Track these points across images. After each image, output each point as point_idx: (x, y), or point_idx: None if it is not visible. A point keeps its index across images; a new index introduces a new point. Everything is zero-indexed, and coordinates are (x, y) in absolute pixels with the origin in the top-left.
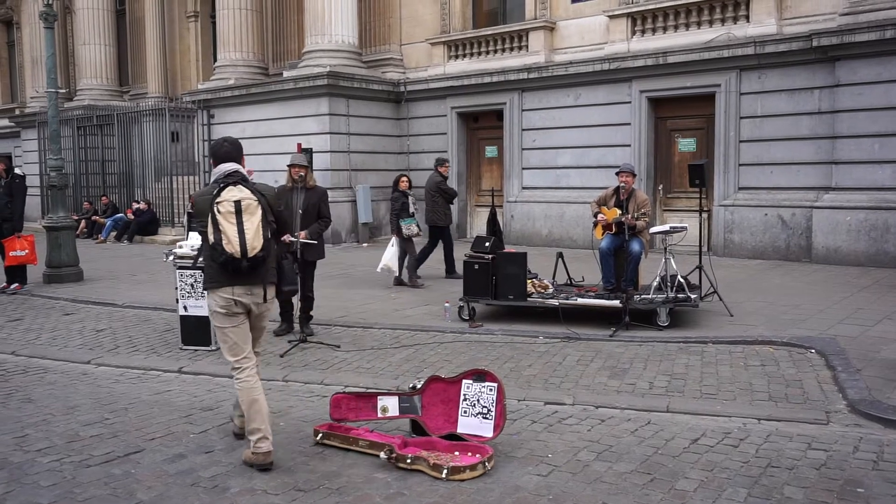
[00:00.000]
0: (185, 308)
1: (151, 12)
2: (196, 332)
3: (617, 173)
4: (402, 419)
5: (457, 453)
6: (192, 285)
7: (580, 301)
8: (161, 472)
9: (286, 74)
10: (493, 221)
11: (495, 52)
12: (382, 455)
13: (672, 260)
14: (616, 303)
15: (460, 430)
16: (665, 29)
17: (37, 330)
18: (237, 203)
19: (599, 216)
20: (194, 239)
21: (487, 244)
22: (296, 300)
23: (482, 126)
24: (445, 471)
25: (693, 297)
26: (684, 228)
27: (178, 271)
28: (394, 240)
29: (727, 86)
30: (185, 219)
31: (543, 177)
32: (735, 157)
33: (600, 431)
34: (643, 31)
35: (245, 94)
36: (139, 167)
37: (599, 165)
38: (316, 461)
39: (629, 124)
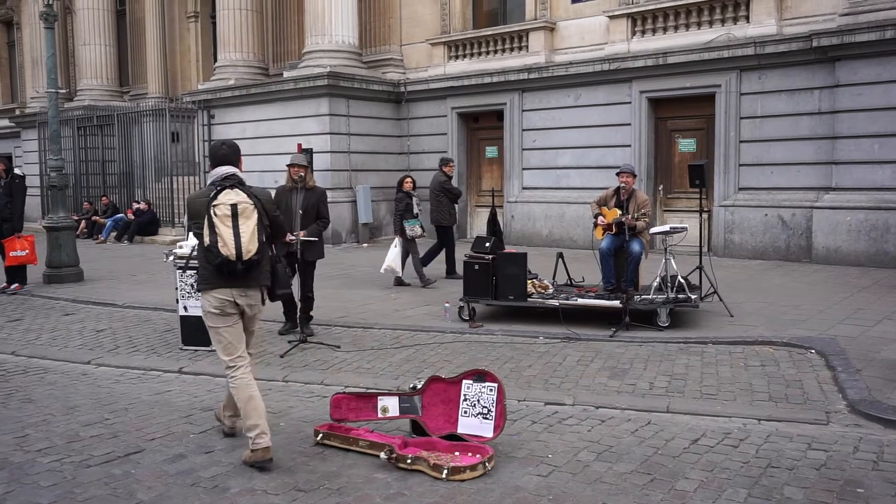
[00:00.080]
0: (185, 308)
1: (151, 12)
2: (196, 332)
3: (617, 174)
4: (403, 419)
5: (457, 453)
6: (192, 285)
7: (580, 301)
8: (161, 473)
9: (286, 75)
10: (493, 222)
11: (495, 52)
12: (383, 455)
13: (672, 260)
14: (616, 303)
15: (460, 430)
16: (665, 29)
17: (37, 330)
18: (234, 206)
19: (599, 218)
20: (194, 239)
21: (488, 244)
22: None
23: (482, 126)
24: (446, 471)
25: (693, 297)
26: (684, 229)
27: (178, 271)
28: (397, 240)
29: (727, 86)
30: (185, 219)
31: (544, 177)
32: (735, 158)
33: (600, 432)
34: (643, 32)
35: (245, 95)
36: (139, 167)
37: (600, 166)
38: (316, 461)
39: (629, 125)
